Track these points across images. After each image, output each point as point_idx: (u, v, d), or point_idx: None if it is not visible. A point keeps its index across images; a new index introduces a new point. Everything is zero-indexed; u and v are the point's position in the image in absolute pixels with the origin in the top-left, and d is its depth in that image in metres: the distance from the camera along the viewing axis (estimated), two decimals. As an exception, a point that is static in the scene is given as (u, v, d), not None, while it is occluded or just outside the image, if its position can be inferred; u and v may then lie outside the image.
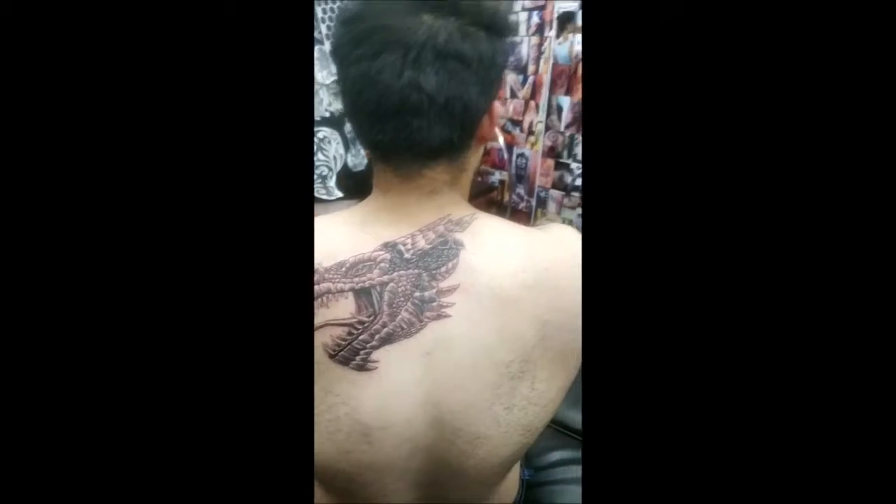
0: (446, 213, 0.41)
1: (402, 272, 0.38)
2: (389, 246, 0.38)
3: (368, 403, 0.38)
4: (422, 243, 0.39)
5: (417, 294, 0.37)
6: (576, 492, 0.70)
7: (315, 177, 1.27)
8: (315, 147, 1.24)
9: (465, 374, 0.38)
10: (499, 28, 0.38)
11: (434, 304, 0.37)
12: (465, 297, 0.38)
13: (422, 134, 0.37)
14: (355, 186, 1.31)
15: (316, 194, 1.28)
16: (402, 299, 0.37)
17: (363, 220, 0.41)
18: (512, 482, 0.58)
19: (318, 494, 0.49)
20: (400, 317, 0.37)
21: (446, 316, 0.38)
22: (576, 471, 0.73)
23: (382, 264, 0.38)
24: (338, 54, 0.38)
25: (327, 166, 1.27)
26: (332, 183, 1.29)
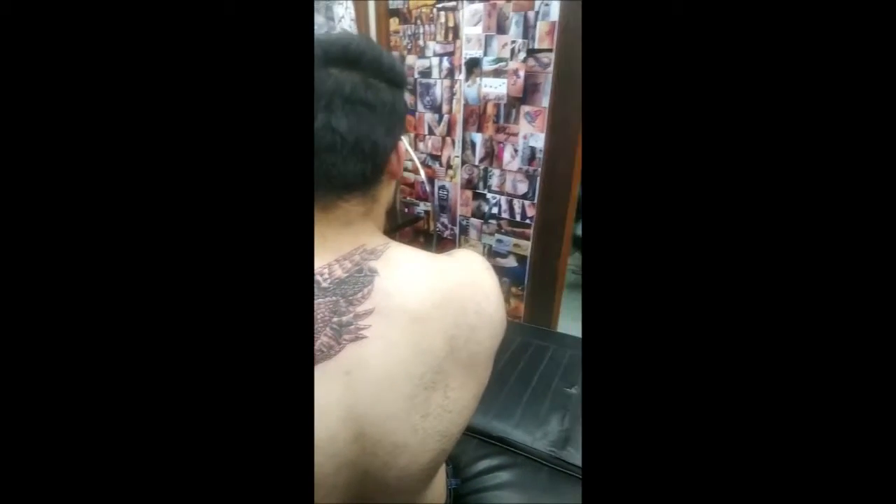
0: (361, 242, 0.45)
1: (320, 300, 0.41)
2: None
3: None
4: (338, 272, 0.42)
5: (336, 319, 0.40)
6: (502, 496, 0.75)
7: None
8: None
9: (383, 388, 0.41)
10: (395, 80, 0.45)
11: (352, 326, 0.40)
12: (379, 318, 0.41)
13: (337, 169, 0.42)
14: None
15: None
16: (321, 325, 0.40)
17: None
18: (438, 492, 0.61)
19: None
20: (320, 341, 0.40)
21: (363, 337, 0.40)
22: (502, 476, 0.79)
23: None
24: None
25: None
26: None
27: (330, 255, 0.44)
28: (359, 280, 0.42)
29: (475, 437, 0.86)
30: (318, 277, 0.42)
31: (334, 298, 0.41)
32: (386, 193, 0.49)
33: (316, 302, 0.41)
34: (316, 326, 0.40)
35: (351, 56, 0.42)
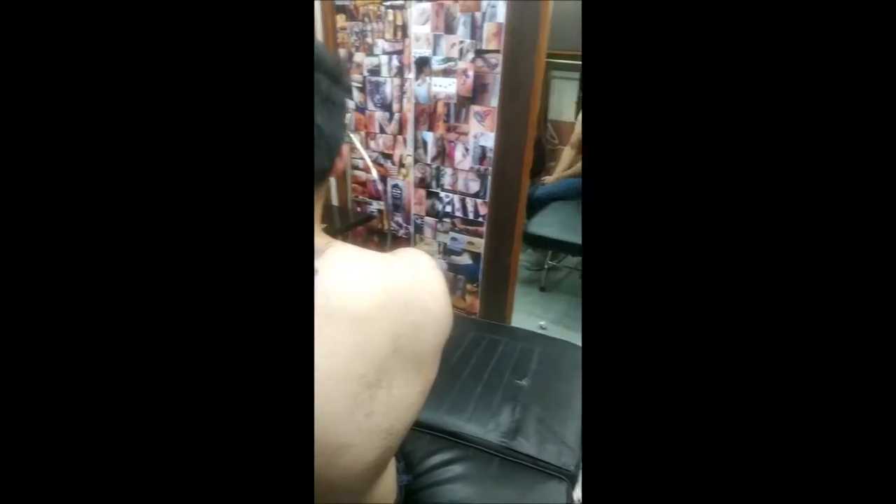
0: None
1: None
2: None
3: None
4: None
5: None
6: (454, 489, 0.76)
7: None
8: None
9: (327, 388, 0.40)
10: (349, 85, 0.46)
11: None
12: (322, 319, 0.40)
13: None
14: None
15: None
16: None
17: None
18: (387, 489, 0.61)
19: None
20: None
21: None
22: (455, 469, 0.80)
23: None
24: None
25: None
26: None
27: None
28: None
29: (428, 433, 0.87)
30: None
31: None
32: (326, 193, 0.49)
33: None
34: None
35: (319, 62, 0.43)
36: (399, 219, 1.63)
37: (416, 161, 1.50)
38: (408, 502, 0.69)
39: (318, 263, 0.43)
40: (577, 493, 1.22)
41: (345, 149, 0.48)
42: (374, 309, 0.43)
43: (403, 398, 0.46)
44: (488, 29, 1.23)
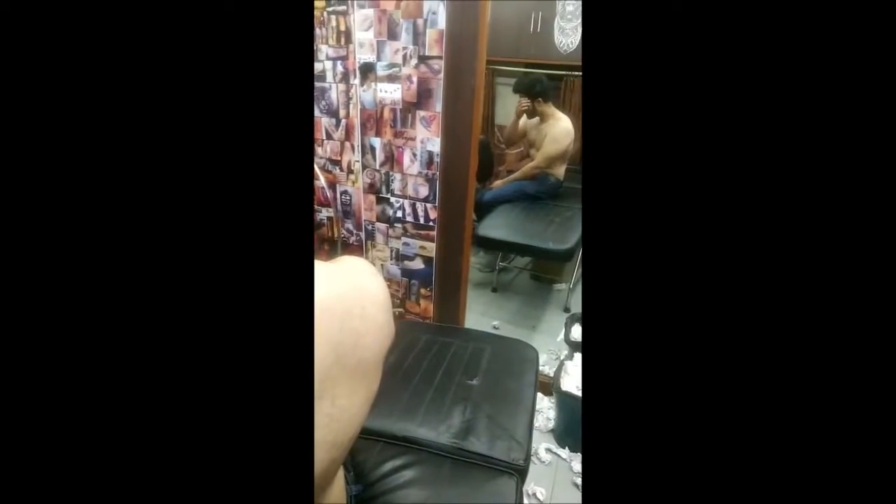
0: None
1: None
2: None
3: None
4: None
5: None
6: (407, 494, 0.77)
7: None
8: None
9: None
10: None
11: None
12: None
13: None
14: None
15: None
16: None
17: None
18: (335, 498, 0.60)
19: None
20: None
21: None
22: (407, 474, 0.80)
23: None
24: None
25: None
26: None
27: None
28: None
29: (380, 441, 0.87)
30: None
31: None
32: None
33: None
34: None
35: None
36: (350, 225, 1.62)
37: (364, 167, 1.49)
38: None
39: None
40: (529, 487, 1.25)
41: None
42: (317, 315, 0.41)
43: (347, 409, 0.45)
44: (430, 35, 1.25)
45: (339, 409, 0.44)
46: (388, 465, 0.81)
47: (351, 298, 0.45)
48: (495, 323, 1.94)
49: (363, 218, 1.57)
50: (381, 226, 1.55)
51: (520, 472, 0.83)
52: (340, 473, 0.61)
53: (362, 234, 1.60)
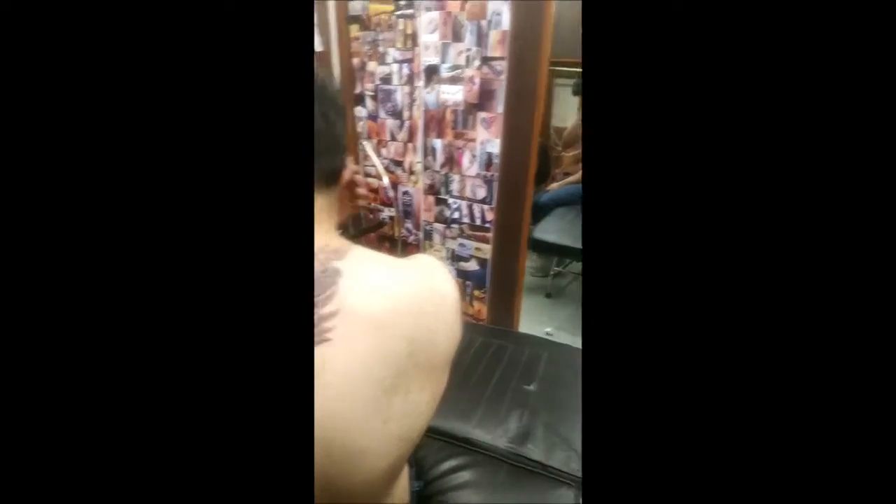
0: (325, 241, 0.45)
1: None
2: None
3: None
4: None
5: None
6: (464, 496, 0.77)
7: None
8: None
9: (345, 392, 0.40)
10: (338, 105, 0.48)
11: (316, 329, 0.40)
12: (343, 321, 0.40)
13: (322, 154, 0.43)
14: None
15: None
16: None
17: None
18: (401, 494, 0.61)
19: None
20: None
21: (327, 339, 0.40)
22: (464, 476, 0.80)
23: None
24: None
25: None
26: None
27: None
28: (323, 281, 0.42)
29: (438, 440, 0.87)
30: None
31: None
32: (338, 197, 0.50)
33: None
34: None
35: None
36: (409, 225, 1.65)
37: (425, 168, 1.52)
38: None
39: (341, 265, 0.43)
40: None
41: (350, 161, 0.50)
42: (392, 312, 0.43)
43: (417, 405, 0.46)
44: (493, 36, 1.24)
45: (410, 404, 0.45)
46: (446, 465, 0.81)
47: (425, 296, 0.46)
48: (548, 329, 1.90)
49: (422, 218, 1.59)
50: (439, 226, 1.57)
51: (579, 485, 0.81)
52: (405, 469, 0.62)
53: (420, 234, 1.62)
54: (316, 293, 0.41)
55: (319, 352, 0.40)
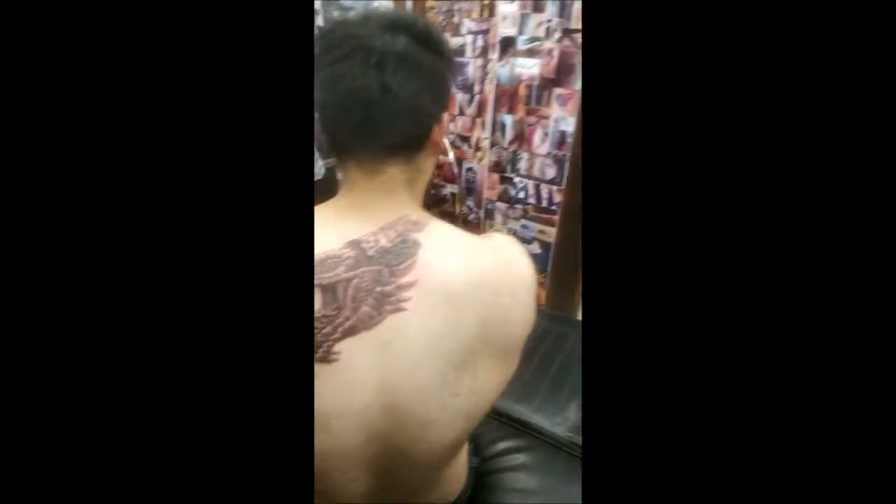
0: (405, 213, 0.44)
1: (365, 269, 0.41)
2: (354, 244, 0.41)
3: (329, 393, 0.40)
4: (383, 241, 0.42)
5: (378, 289, 0.40)
6: (519, 478, 0.76)
7: None
8: None
9: (417, 362, 0.41)
10: (443, 52, 0.44)
11: (393, 298, 0.40)
12: (419, 291, 0.41)
13: (384, 127, 0.41)
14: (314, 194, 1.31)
15: None
16: (364, 294, 0.40)
17: (329, 219, 0.44)
18: (460, 469, 0.61)
19: None
20: (362, 310, 0.40)
21: (403, 309, 0.40)
22: (520, 458, 0.79)
23: (348, 261, 0.41)
24: (318, 61, 0.42)
25: None
26: None
27: (374, 223, 0.43)
28: (403, 251, 0.42)
29: (496, 419, 0.87)
30: (363, 245, 0.42)
31: (378, 268, 0.41)
32: (428, 166, 0.48)
33: (361, 270, 0.41)
34: (359, 295, 0.40)
35: (402, 23, 0.42)
36: (470, 203, 1.62)
37: (493, 144, 1.48)
38: (476, 484, 0.69)
39: (420, 236, 0.43)
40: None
41: (444, 122, 0.46)
42: (467, 287, 0.42)
43: (485, 384, 0.45)
44: (578, 7, 1.16)
45: (478, 383, 0.44)
46: (503, 445, 0.81)
47: (502, 277, 0.44)
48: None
49: (484, 196, 1.56)
50: (502, 205, 1.53)
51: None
52: (465, 445, 0.63)
53: (482, 213, 1.60)
54: (396, 262, 0.41)
55: (396, 321, 0.41)
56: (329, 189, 1.26)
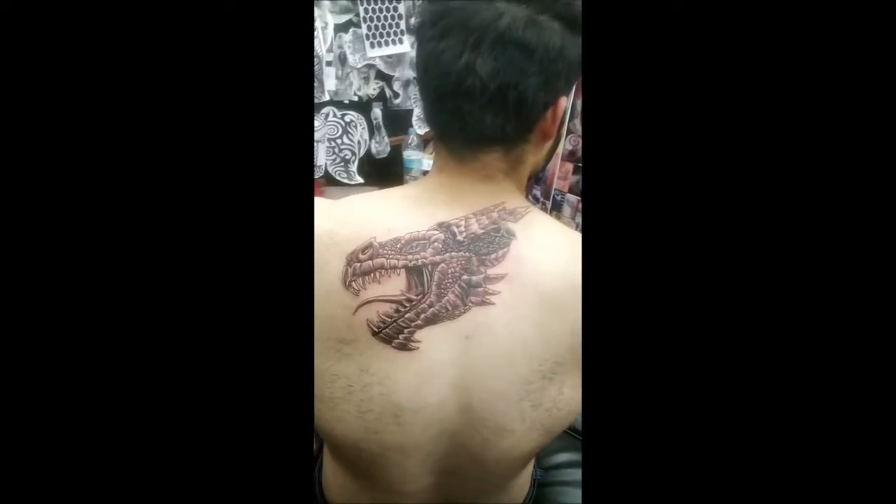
0: (501, 200, 0.40)
1: (453, 254, 0.38)
2: (444, 226, 0.38)
3: (404, 384, 0.38)
4: (475, 227, 0.38)
5: (465, 277, 0.37)
6: (578, 494, 0.70)
7: (338, 160, 1.26)
8: (341, 130, 1.23)
9: (500, 363, 0.38)
10: (571, 19, 0.37)
11: (480, 289, 0.37)
12: (510, 287, 0.37)
13: (472, 119, 0.37)
14: (376, 173, 1.30)
15: (337, 177, 1.27)
16: (450, 281, 0.37)
17: (418, 198, 0.41)
18: (525, 480, 0.58)
19: (337, 473, 0.49)
20: (446, 298, 0.37)
21: (490, 303, 0.37)
22: (579, 473, 0.73)
23: (436, 244, 0.38)
24: (417, 33, 0.39)
25: (351, 150, 1.26)
26: (353, 167, 1.29)
27: (465, 208, 0.40)
28: (495, 240, 0.38)
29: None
30: (453, 229, 0.38)
31: (467, 255, 0.38)
32: (534, 156, 0.42)
33: (449, 255, 0.38)
34: (445, 281, 0.37)
35: None
36: (537, 192, 1.54)
37: (569, 132, 1.38)
38: (536, 496, 0.65)
39: (516, 227, 0.39)
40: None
41: (561, 103, 0.39)
42: (564, 289, 0.38)
43: (571, 400, 0.41)
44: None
45: (563, 398, 0.40)
46: (564, 457, 0.75)
47: None
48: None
49: (554, 186, 1.48)
50: (572, 198, 1.44)
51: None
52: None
53: (548, 204, 1.52)
54: (486, 251, 0.38)
55: (481, 314, 0.38)
56: (391, 167, 1.23)
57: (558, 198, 1.47)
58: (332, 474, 0.51)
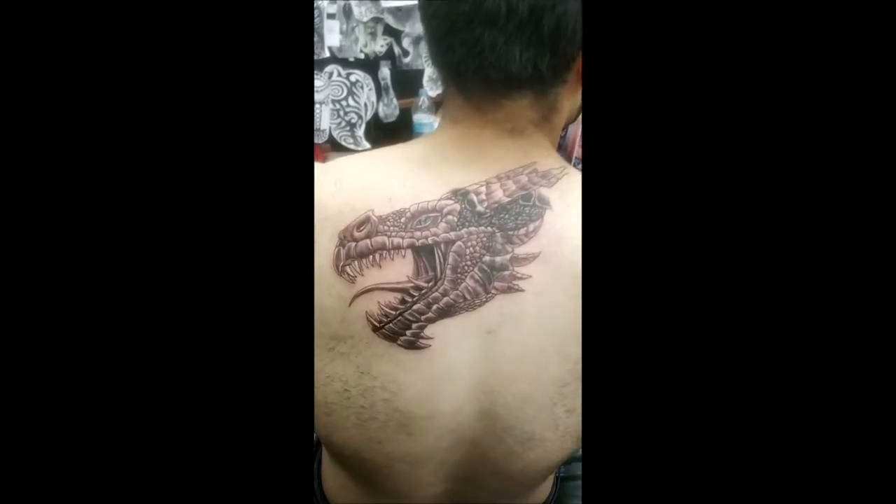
0: (531, 160, 0.35)
1: (472, 229, 0.33)
2: (460, 194, 0.33)
3: (413, 389, 0.34)
4: (499, 195, 0.33)
5: (488, 259, 0.32)
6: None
7: (343, 124, 1.21)
8: (346, 91, 1.17)
9: (530, 362, 0.34)
10: None
11: (506, 273, 0.33)
12: (543, 269, 0.33)
13: (496, 53, 0.31)
14: (384, 138, 1.25)
15: (343, 143, 1.22)
16: (469, 263, 0.32)
17: (426, 157, 0.35)
18: (548, 483, 0.55)
19: (338, 475, 0.46)
20: (464, 284, 0.32)
21: (518, 290, 0.33)
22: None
23: (450, 217, 0.32)
24: None
25: (357, 113, 1.20)
26: (360, 132, 1.23)
27: (486, 171, 0.34)
28: (524, 210, 0.33)
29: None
30: (472, 197, 0.33)
31: (490, 230, 0.32)
32: (572, 101, 0.37)
33: (467, 231, 0.33)
34: (461, 263, 0.33)
35: None
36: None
37: (595, 93, 1.29)
38: (559, 491, 0.62)
39: (550, 193, 0.34)
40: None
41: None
42: None
43: None
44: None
45: None
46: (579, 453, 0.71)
47: None
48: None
49: (574, 154, 1.40)
50: (596, 167, 1.36)
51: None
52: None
53: (569, 173, 1.45)
54: (514, 226, 0.33)
55: (507, 303, 0.34)
56: (401, 132, 1.19)
57: (578, 166, 1.40)
58: (331, 474, 0.49)
